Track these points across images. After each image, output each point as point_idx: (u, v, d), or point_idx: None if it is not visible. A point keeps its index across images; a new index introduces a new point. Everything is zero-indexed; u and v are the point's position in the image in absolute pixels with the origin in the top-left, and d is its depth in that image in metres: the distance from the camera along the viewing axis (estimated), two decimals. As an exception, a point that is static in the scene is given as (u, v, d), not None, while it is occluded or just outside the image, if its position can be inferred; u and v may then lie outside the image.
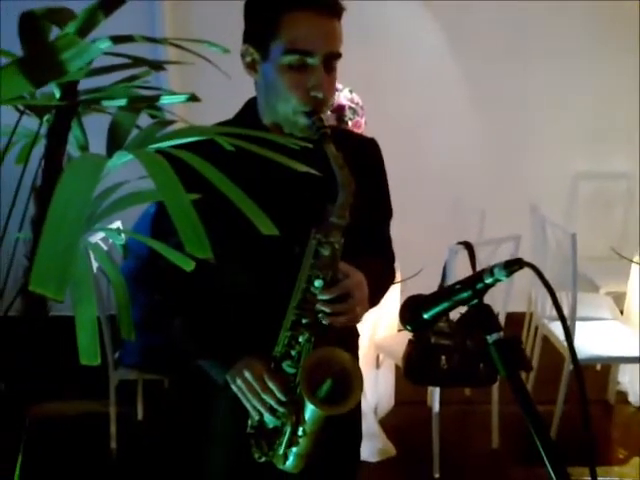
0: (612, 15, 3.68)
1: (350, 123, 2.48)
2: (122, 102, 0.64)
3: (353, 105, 2.51)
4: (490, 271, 0.77)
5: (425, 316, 0.82)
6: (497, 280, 0.77)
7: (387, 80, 3.63)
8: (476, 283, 0.78)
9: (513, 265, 0.75)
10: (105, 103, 0.64)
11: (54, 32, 0.71)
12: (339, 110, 2.46)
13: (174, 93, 0.66)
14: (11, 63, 0.49)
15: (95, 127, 0.95)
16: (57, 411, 2.69)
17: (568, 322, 2.80)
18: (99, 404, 2.90)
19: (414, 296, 0.85)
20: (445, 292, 0.81)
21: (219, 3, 3.30)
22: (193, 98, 0.65)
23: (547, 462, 0.70)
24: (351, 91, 2.51)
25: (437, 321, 0.82)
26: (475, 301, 0.77)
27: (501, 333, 0.75)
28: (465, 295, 0.78)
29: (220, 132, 0.76)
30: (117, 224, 2.75)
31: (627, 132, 3.81)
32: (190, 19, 3.49)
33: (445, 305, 0.81)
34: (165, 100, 0.66)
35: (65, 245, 0.51)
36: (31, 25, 0.54)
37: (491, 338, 0.75)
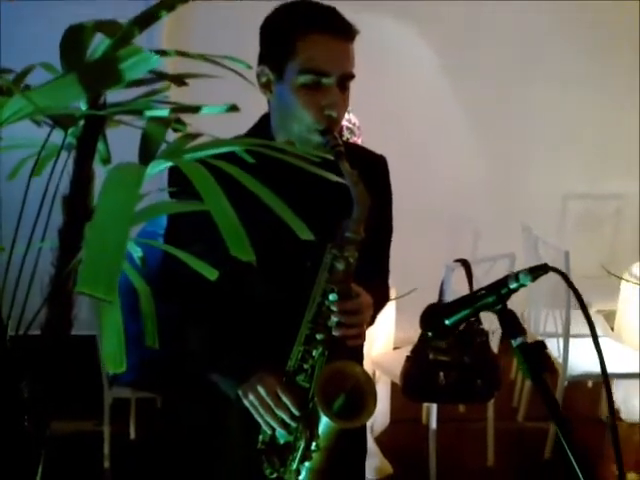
0: (610, 36, 3.78)
1: (348, 142, 2.51)
2: (164, 112, 0.66)
3: (350, 125, 2.54)
4: (515, 277, 0.80)
5: (447, 322, 0.84)
6: (522, 285, 0.80)
7: (385, 102, 3.69)
8: (501, 288, 0.80)
9: (538, 270, 0.78)
10: (148, 113, 0.66)
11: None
12: (337, 129, 2.49)
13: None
14: (72, 71, 0.51)
15: (112, 140, 0.97)
16: (50, 430, 2.64)
17: (562, 339, 2.83)
18: (92, 423, 2.87)
19: (435, 303, 0.87)
20: (467, 299, 0.83)
21: (216, 20, 3.36)
22: (233, 108, 0.67)
23: (575, 466, 0.72)
24: (349, 111, 2.55)
25: (458, 328, 0.84)
26: (499, 306, 0.80)
27: (526, 337, 0.78)
28: (489, 300, 0.81)
29: (245, 144, 0.79)
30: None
31: (619, 154, 3.91)
32: (190, 36, 3.55)
33: (467, 311, 0.83)
34: (206, 111, 0.68)
35: (114, 246, 0.52)
36: (77, 37, 0.56)
37: (516, 342, 0.78)
